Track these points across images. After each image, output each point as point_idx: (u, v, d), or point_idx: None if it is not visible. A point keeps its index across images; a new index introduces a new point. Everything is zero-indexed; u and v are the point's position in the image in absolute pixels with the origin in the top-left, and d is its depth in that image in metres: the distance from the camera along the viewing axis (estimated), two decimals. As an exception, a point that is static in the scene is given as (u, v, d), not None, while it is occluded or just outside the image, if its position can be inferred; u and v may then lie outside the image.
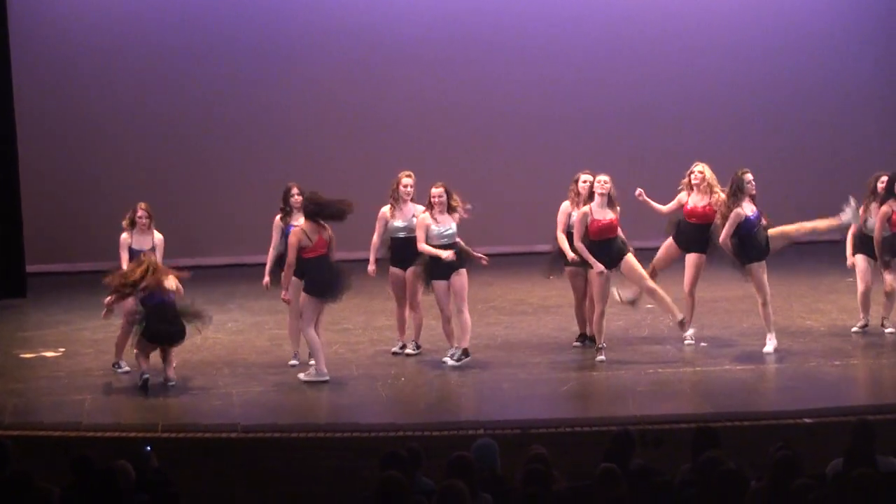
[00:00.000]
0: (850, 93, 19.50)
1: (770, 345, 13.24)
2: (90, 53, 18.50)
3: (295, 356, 13.13)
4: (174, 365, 12.64)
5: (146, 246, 13.31)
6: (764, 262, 13.06)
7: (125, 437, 10.96)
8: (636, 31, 19.17)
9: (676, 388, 12.33)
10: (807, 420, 11.14)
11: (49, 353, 14.01)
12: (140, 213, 13.39)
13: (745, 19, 19.37)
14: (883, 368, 12.90)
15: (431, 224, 13.14)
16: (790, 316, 14.71)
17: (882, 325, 13.78)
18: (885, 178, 13.81)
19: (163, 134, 18.74)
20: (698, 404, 11.97)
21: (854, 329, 13.95)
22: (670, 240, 13.76)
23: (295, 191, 13.49)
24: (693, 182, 13.60)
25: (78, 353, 13.89)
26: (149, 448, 9.55)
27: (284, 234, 13.19)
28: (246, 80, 18.76)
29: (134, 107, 18.62)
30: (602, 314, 13.02)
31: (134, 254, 13.25)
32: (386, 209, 13.55)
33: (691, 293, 13.66)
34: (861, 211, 13.71)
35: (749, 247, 13.01)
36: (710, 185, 13.51)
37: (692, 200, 13.64)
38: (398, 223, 13.46)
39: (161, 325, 12.42)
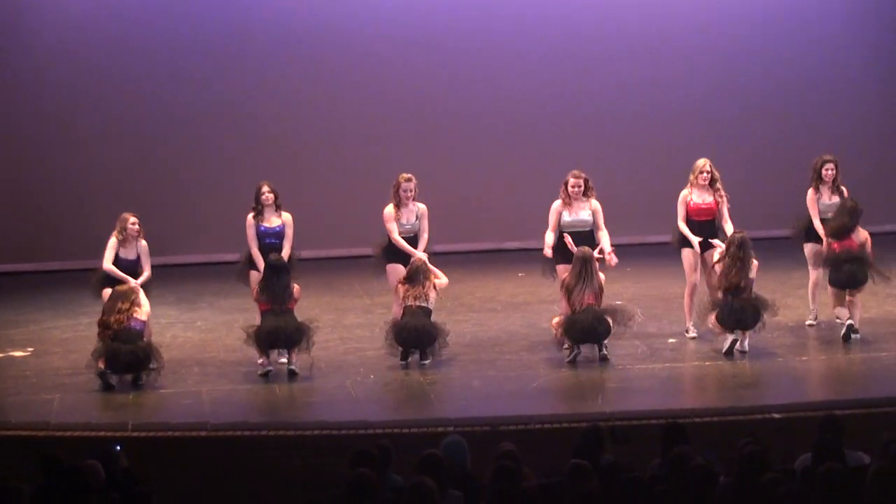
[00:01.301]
0: (847, 93, 19.49)
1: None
2: (59, 49, 18.38)
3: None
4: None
5: (132, 255, 13.24)
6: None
7: (94, 437, 10.92)
8: (627, 31, 19.08)
9: (645, 384, 12.37)
10: (775, 415, 11.19)
11: (17, 353, 13.95)
12: (132, 223, 13.30)
13: (742, 21, 19.35)
14: (851, 363, 12.96)
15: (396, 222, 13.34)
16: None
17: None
18: (831, 166, 13.90)
19: (132, 132, 18.64)
20: (667, 400, 12.01)
21: (808, 322, 14.09)
22: (686, 251, 13.86)
23: (265, 189, 13.53)
24: (701, 182, 13.78)
25: (46, 353, 13.83)
26: (118, 447, 9.55)
27: (258, 232, 13.30)
28: (219, 77, 18.67)
29: (103, 104, 18.52)
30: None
31: (120, 262, 13.16)
32: (390, 209, 13.52)
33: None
34: (811, 194, 13.85)
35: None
36: (714, 181, 13.80)
37: (695, 198, 13.81)
38: (402, 223, 13.46)
39: (122, 346, 12.37)
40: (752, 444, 8.57)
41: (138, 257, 13.29)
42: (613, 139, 19.05)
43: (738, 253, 13.04)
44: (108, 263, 13.19)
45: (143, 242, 13.34)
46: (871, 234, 13.77)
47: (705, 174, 13.84)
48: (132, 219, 13.34)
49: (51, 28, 18.40)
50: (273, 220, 13.43)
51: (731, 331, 13.02)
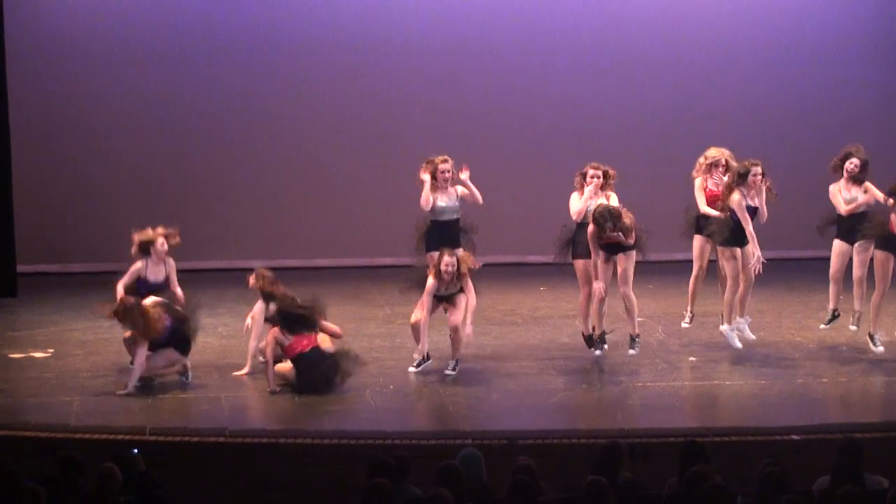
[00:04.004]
0: (855, 99, 19.48)
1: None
2: (84, 54, 18.46)
3: None
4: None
5: (160, 276, 13.02)
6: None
7: (113, 440, 10.93)
8: (634, 42, 19.14)
9: (666, 402, 12.34)
10: (794, 437, 11.14)
11: (38, 354, 13.98)
12: (160, 241, 13.01)
13: (748, 26, 19.34)
14: (871, 386, 12.91)
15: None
16: (779, 332, 14.73)
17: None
18: (856, 161, 13.81)
19: (156, 136, 18.71)
20: (687, 419, 11.99)
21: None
22: (699, 238, 13.87)
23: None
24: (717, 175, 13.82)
25: (67, 354, 13.86)
26: (136, 451, 9.55)
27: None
28: (240, 84, 18.72)
29: (128, 108, 18.59)
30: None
31: (149, 285, 12.89)
32: (426, 191, 13.55)
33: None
34: (833, 188, 13.81)
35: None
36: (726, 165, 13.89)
37: (710, 184, 13.85)
38: (441, 203, 13.48)
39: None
40: (771, 465, 8.54)
41: (167, 277, 13.12)
42: (640, 156, 19.02)
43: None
44: (121, 288, 12.88)
45: (171, 261, 13.16)
46: None
47: (721, 168, 13.87)
48: (161, 239, 13.11)
49: (79, 35, 18.46)
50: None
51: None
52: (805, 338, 14.35)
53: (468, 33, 18.95)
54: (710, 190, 13.90)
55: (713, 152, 14.05)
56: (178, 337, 12.60)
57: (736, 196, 13.22)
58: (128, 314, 12.37)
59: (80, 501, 8.41)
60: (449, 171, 13.59)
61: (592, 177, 13.57)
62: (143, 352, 12.35)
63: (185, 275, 17.91)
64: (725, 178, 13.60)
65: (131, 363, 12.64)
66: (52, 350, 14.04)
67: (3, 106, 16.85)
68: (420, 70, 18.90)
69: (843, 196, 13.81)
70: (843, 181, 13.86)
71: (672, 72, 19.22)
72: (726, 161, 13.94)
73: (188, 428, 11.38)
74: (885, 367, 13.27)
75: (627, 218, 13.01)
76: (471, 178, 13.65)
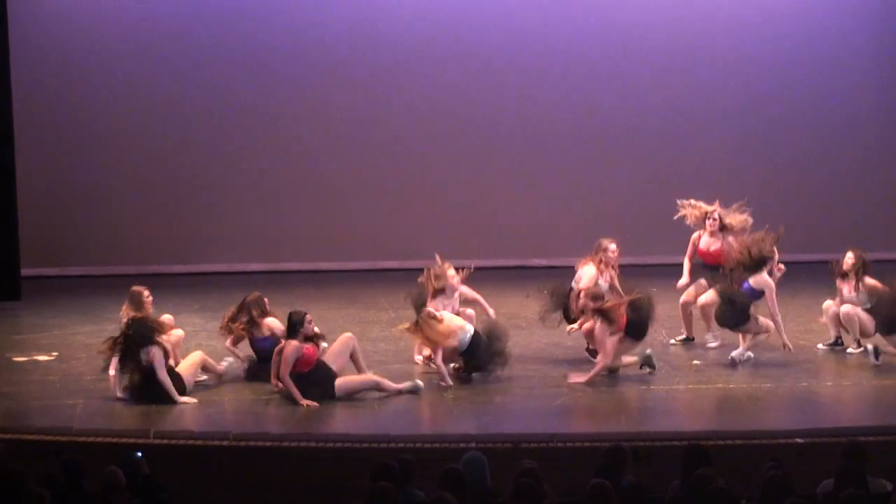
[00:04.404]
0: (852, 106, 19.46)
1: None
2: (89, 57, 18.47)
3: None
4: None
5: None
6: None
7: (116, 443, 10.94)
8: (635, 44, 19.11)
9: (669, 405, 12.34)
10: (798, 440, 11.14)
11: (42, 357, 13.98)
12: (147, 296, 12.85)
13: (749, 32, 19.31)
14: (876, 390, 12.90)
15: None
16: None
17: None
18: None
19: (160, 139, 18.71)
20: (690, 422, 11.98)
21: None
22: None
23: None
24: (710, 228, 13.81)
25: (71, 358, 13.86)
26: (140, 454, 9.56)
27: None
28: (245, 87, 18.72)
29: (133, 112, 18.59)
30: None
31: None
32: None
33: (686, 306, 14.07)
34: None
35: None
36: (728, 229, 13.83)
37: (704, 242, 13.86)
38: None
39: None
40: (775, 469, 8.55)
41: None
42: (646, 160, 19.05)
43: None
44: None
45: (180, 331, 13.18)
46: None
47: (712, 220, 13.89)
48: (146, 292, 12.93)
49: (82, 40, 18.48)
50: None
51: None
52: (809, 341, 14.33)
53: (473, 37, 18.93)
54: (701, 247, 14.01)
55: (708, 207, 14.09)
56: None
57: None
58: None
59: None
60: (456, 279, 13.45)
61: (613, 252, 13.54)
62: None
63: (190, 278, 18.06)
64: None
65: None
66: (55, 353, 14.04)
67: (8, 108, 16.86)
68: (423, 73, 18.90)
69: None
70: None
71: (674, 74, 19.18)
72: (718, 217, 13.98)
73: (192, 431, 11.38)
74: (889, 370, 13.25)
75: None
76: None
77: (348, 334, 12.83)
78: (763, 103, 19.30)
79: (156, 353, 12.15)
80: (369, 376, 12.61)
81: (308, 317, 12.39)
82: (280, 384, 12.27)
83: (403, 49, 18.86)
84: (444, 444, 10.97)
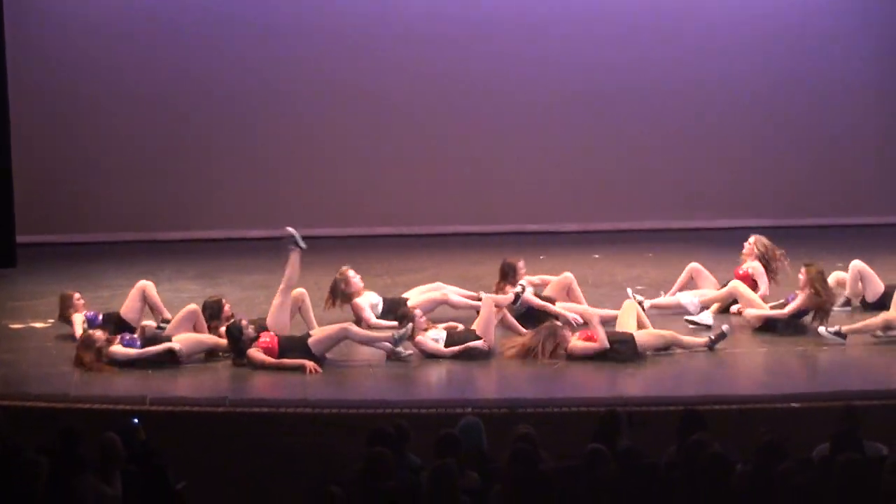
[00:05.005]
0: (853, 90, 19.42)
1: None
2: (84, 25, 18.40)
3: None
4: None
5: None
6: None
7: (113, 410, 10.95)
8: (638, 19, 19.09)
9: (664, 370, 12.35)
10: (794, 404, 11.16)
11: (38, 324, 13.99)
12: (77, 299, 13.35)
13: (752, 16, 19.29)
14: (872, 354, 12.91)
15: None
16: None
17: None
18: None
19: (158, 105, 18.66)
20: (686, 387, 11.99)
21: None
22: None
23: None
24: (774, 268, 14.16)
25: (67, 325, 13.84)
26: (136, 421, 9.58)
27: None
28: (244, 54, 18.68)
29: (127, 78, 18.54)
30: None
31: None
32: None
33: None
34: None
35: None
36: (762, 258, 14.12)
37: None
38: None
39: None
40: (770, 433, 8.57)
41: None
42: (639, 125, 18.99)
43: None
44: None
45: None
46: None
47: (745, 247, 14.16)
48: (77, 294, 13.38)
49: (78, 6, 18.43)
50: None
51: None
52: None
53: (468, 11, 18.90)
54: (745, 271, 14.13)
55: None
56: None
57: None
58: None
59: (81, 471, 8.43)
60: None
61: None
62: None
63: (187, 245, 18.04)
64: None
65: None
66: (52, 320, 14.02)
67: (3, 76, 16.81)
68: (420, 39, 18.83)
69: None
70: None
71: (673, 39, 19.11)
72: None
73: (188, 397, 11.39)
74: (884, 336, 13.26)
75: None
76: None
77: (300, 290, 12.85)
78: (767, 68, 19.24)
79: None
80: (340, 325, 12.56)
81: (243, 322, 12.35)
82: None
83: (400, 13, 18.81)
84: (440, 409, 10.98)
